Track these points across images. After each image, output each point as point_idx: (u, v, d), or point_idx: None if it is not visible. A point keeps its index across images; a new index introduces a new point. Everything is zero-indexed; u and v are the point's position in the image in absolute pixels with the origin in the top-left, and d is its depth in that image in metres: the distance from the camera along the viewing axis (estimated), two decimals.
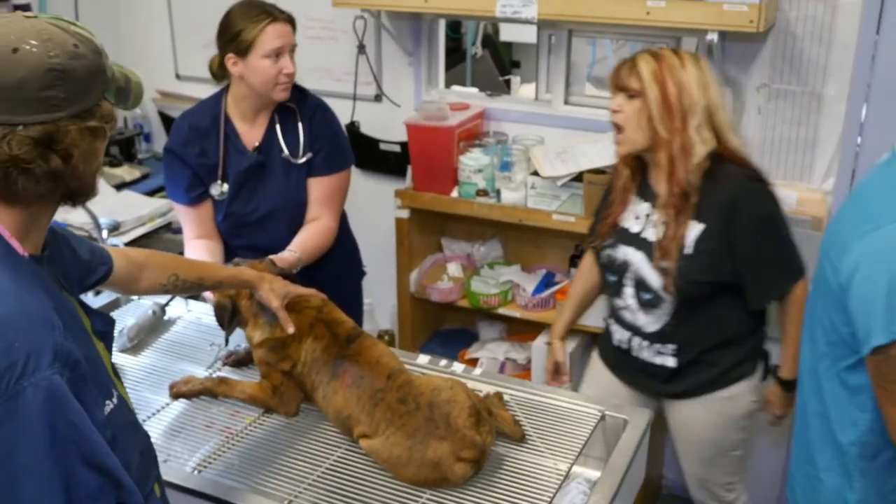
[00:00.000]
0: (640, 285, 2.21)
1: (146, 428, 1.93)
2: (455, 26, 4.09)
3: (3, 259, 1.24)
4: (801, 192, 2.89)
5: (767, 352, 2.36)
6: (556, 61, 3.18)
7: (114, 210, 3.27)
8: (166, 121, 4.02)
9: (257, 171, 2.50)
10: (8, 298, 1.20)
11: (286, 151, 2.50)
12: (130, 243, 3.18)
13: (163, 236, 3.45)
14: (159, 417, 2.04)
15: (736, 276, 2.15)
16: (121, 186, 3.59)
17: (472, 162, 3.03)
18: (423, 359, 2.24)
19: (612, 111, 2.16)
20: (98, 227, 2.42)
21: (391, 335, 3.69)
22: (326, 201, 2.52)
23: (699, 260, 2.11)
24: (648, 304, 2.21)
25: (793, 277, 2.18)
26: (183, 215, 2.55)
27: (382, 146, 3.49)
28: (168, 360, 2.28)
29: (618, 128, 2.16)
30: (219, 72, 2.44)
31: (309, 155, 2.51)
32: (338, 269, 2.63)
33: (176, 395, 2.09)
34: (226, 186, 2.49)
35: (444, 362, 2.23)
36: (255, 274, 2.01)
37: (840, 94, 2.80)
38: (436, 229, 3.49)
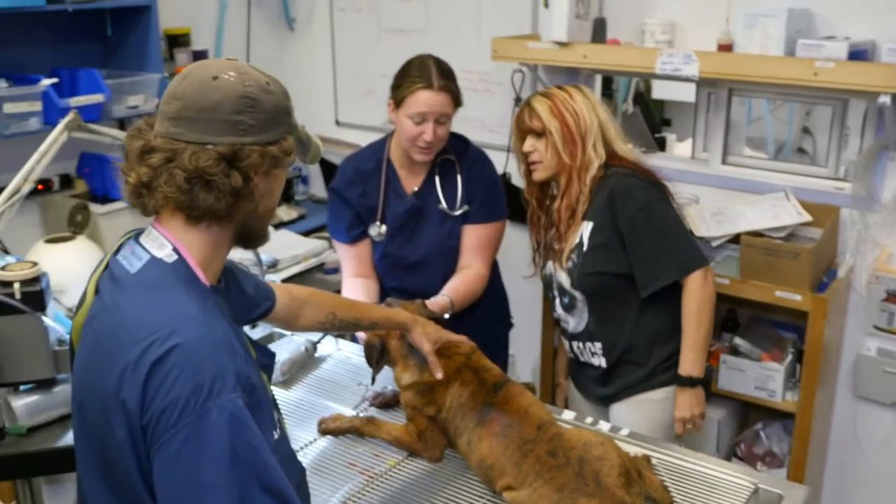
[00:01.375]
0: (560, 290, 2.44)
1: None
2: (606, 82, 4.08)
3: (191, 287, 1.33)
4: None
5: (709, 365, 2.45)
6: (715, 120, 3.13)
7: (272, 248, 3.39)
8: (324, 165, 4.16)
9: (414, 216, 2.56)
10: (196, 324, 1.27)
11: (443, 203, 2.55)
12: (285, 280, 3.30)
13: (315, 276, 3.56)
14: (304, 453, 2.06)
15: (628, 267, 2.33)
16: (279, 226, 3.74)
17: None
18: (569, 415, 2.20)
19: (524, 152, 2.42)
20: (259, 263, 2.52)
21: (532, 388, 3.66)
22: (479, 249, 2.55)
23: (593, 254, 2.33)
24: (569, 307, 2.43)
25: (676, 267, 2.30)
26: (342, 253, 2.63)
27: None
28: (316, 397, 2.32)
29: (534, 163, 2.41)
30: None
31: (465, 208, 2.55)
32: (487, 317, 2.64)
33: (324, 432, 2.12)
34: (384, 228, 2.56)
35: (589, 419, 2.19)
36: (408, 316, 2.04)
37: None
38: None
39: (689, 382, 2.34)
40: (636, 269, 2.32)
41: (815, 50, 2.54)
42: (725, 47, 2.75)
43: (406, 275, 2.58)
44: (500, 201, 2.62)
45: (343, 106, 4.14)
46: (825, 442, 3.17)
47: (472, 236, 2.55)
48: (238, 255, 3.04)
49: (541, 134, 2.36)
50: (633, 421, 2.33)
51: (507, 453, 1.82)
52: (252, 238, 1.44)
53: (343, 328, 1.95)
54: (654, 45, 2.94)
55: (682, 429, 2.37)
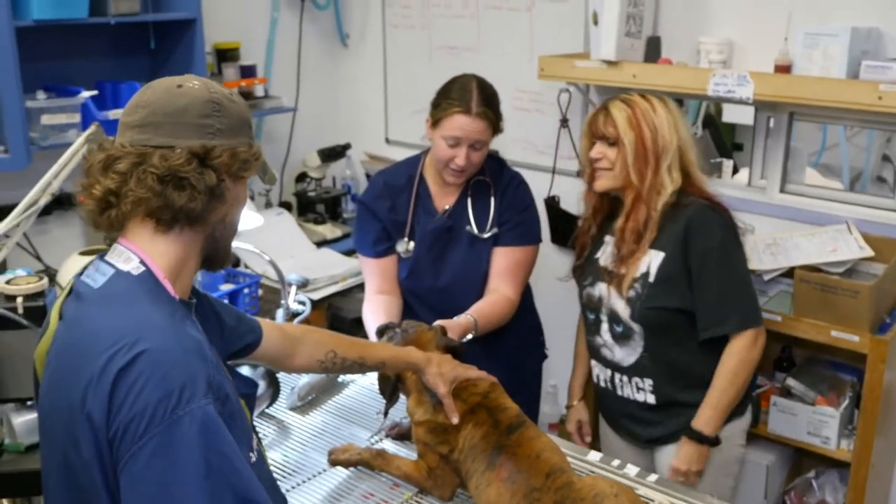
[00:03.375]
0: (613, 318, 2.26)
1: (310, 487, 1.95)
2: (678, 103, 3.90)
3: (158, 298, 1.27)
4: None
5: (757, 397, 2.33)
6: (774, 145, 2.96)
7: (310, 267, 3.34)
8: None
9: (444, 235, 2.48)
10: (163, 330, 1.22)
11: (472, 225, 2.46)
12: (321, 300, 3.23)
13: (356, 295, 3.47)
14: (321, 479, 2.00)
15: (694, 304, 2.18)
16: (321, 244, 3.68)
17: None
18: (595, 456, 2.07)
19: (592, 158, 2.26)
20: (282, 282, 2.45)
21: None
22: (508, 273, 2.45)
23: (660, 287, 2.17)
24: (621, 337, 2.25)
25: (737, 318, 2.16)
26: (367, 268, 2.56)
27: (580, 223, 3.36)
28: (336, 423, 2.24)
29: (600, 171, 2.26)
30: None
31: (495, 230, 2.46)
32: (517, 346, 2.54)
33: (333, 463, 2.04)
34: (412, 244, 2.49)
35: (616, 462, 2.05)
36: (421, 356, 1.93)
37: None
38: None
39: (699, 438, 2.19)
40: (699, 308, 2.17)
41: (881, 72, 2.37)
42: (783, 68, 2.59)
43: (432, 296, 2.50)
44: (534, 225, 2.51)
45: (393, 123, 4.08)
46: (886, 495, 2.94)
47: (502, 259, 2.46)
48: (262, 267, 3.03)
49: (613, 143, 2.21)
50: None
51: (513, 501, 1.70)
52: (217, 255, 1.40)
53: (346, 369, 1.84)
54: (709, 64, 2.79)
55: (673, 478, 2.21)
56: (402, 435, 2.16)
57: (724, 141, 4.20)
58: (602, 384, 2.37)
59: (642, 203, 2.19)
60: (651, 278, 2.18)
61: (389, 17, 3.94)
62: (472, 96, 2.31)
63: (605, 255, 2.33)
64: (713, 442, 2.19)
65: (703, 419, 2.18)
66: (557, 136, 3.37)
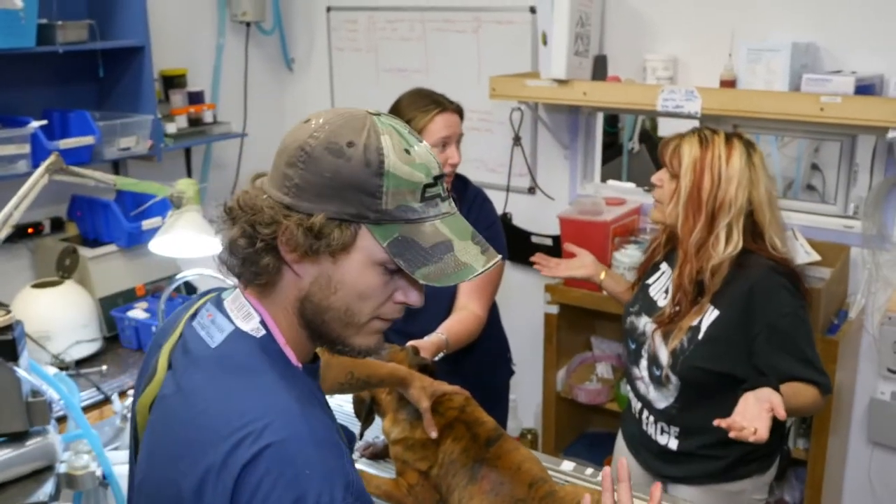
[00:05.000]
0: (653, 359, 2.14)
1: None
2: (612, 120, 4.01)
3: (283, 370, 1.12)
4: None
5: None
6: None
7: None
8: None
9: None
10: (293, 417, 1.05)
11: None
12: None
13: None
14: None
15: (745, 370, 1.99)
16: None
17: (627, 259, 2.92)
18: (568, 465, 2.10)
19: (653, 182, 2.13)
20: None
21: (534, 434, 3.55)
22: (476, 290, 2.46)
23: (708, 347, 2.02)
24: (657, 381, 2.13)
25: (822, 381, 1.95)
26: None
27: (534, 239, 3.42)
28: None
29: (655, 201, 2.14)
30: None
31: None
32: (485, 363, 2.55)
33: None
34: None
35: (589, 471, 2.09)
36: (407, 372, 1.95)
37: None
38: (585, 327, 3.37)
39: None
40: (764, 364, 1.97)
41: (821, 84, 2.47)
42: (728, 83, 2.69)
43: (400, 317, 2.49)
44: (500, 241, 2.54)
45: None
46: (839, 490, 3.04)
47: None
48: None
49: (674, 175, 2.06)
50: None
51: None
52: (324, 336, 1.17)
53: (357, 388, 1.85)
54: (656, 81, 2.88)
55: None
56: (376, 454, 2.16)
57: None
58: (631, 410, 2.29)
59: (690, 259, 2.02)
60: (700, 335, 2.03)
61: (335, 41, 3.96)
62: (437, 96, 2.36)
63: (657, 286, 2.20)
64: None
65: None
66: (511, 153, 3.43)
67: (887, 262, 2.77)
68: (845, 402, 2.87)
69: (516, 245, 3.41)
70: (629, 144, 4.25)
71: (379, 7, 3.75)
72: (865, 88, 2.50)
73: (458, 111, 2.38)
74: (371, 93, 3.84)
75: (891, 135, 2.42)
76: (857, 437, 3.01)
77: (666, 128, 4.19)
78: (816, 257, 2.66)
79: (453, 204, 1.14)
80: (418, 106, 2.35)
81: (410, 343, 2.21)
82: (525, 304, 3.44)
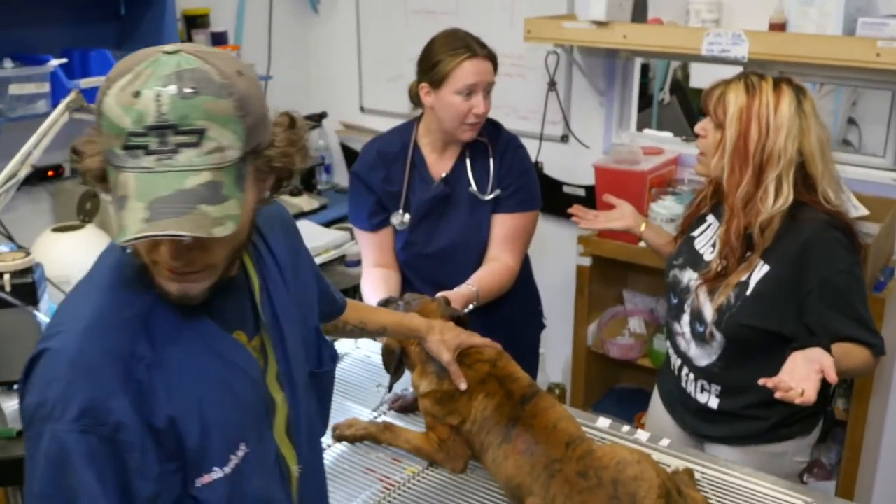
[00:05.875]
0: (696, 315, 2.03)
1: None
2: (643, 69, 3.89)
3: (122, 290, 1.15)
4: None
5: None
6: None
7: None
8: (348, 153, 4.02)
9: (441, 203, 2.40)
10: (77, 332, 1.12)
11: (473, 186, 2.38)
12: None
13: (336, 268, 3.41)
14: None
15: (794, 329, 1.88)
16: (299, 216, 3.59)
17: (664, 210, 2.81)
18: (604, 422, 2.03)
19: (697, 132, 2.01)
20: None
21: (562, 389, 3.49)
22: (509, 241, 2.38)
23: (756, 303, 1.91)
24: (700, 338, 2.03)
25: (876, 341, 1.86)
26: (363, 241, 2.48)
27: (566, 189, 3.33)
28: (335, 398, 2.17)
29: (700, 152, 2.02)
30: (416, 98, 2.35)
31: (497, 192, 2.38)
32: (516, 316, 2.47)
33: (338, 438, 1.98)
34: (407, 216, 2.40)
35: (626, 428, 2.02)
36: (423, 322, 1.87)
37: None
38: (618, 280, 3.28)
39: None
40: (815, 323, 1.87)
41: (878, 29, 2.34)
42: (778, 26, 2.55)
43: (431, 265, 2.42)
44: (534, 190, 2.45)
45: (368, 91, 3.98)
46: (876, 452, 2.97)
47: (502, 226, 2.38)
48: None
49: (718, 125, 1.94)
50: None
51: (533, 473, 1.66)
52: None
53: (347, 333, 1.79)
54: (701, 24, 2.74)
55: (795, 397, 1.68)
56: (405, 407, 2.10)
57: (692, 107, 4.19)
58: (670, 367, 2.19)
59: (738, 214, 1.91)
60: (749, 291, 1.93)
61: None
62: (471, 41, 2.24)
63: (703, 238, 2.10)
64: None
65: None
66: (545, 100, 3.31)
67: None
68: (887, 362, 2.78)
69: (548, 196, 3.29)
70: (660, 95, 4.12)
71: None
72: None
73: (492, 58, 2.26)
74: (399, 35, 3.72)
75: None
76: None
77: (699, 78, 4.05)
78: (865, 212, 2.55)
79: (169, 161, 1.03)
80: (448, 48, 2.24)
81: (441, 294, 2.14)
82: (556, 257, 3.35)
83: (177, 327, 1.16)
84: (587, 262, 3.05)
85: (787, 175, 1.87)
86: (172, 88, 1.01)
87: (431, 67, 2.26)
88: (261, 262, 1.31)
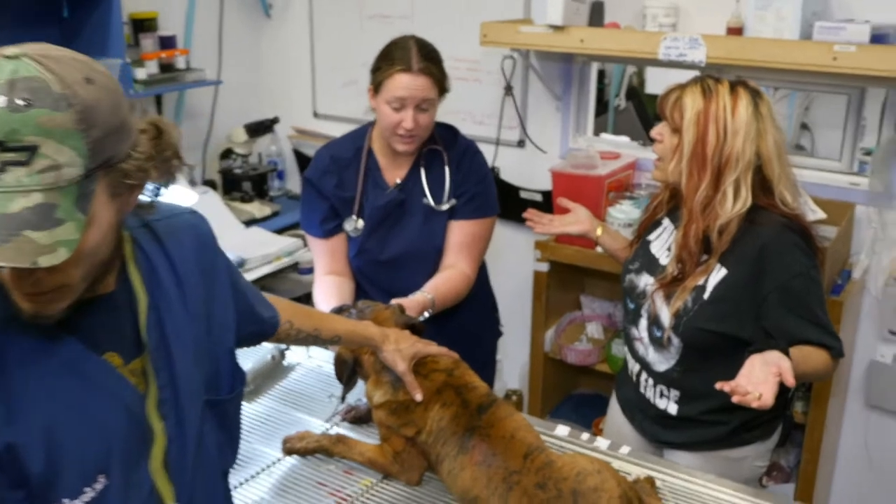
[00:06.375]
0: (654, 320, 2.00)
1: (259, 481, 1.82)
2: (599, 75, 3.88)
3: None
4: None
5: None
6: None
7: (241, 246, 3.17)
8: (301, 159, 3.95)
9: (396, 210, 2.35)
10: None
11: (428, 196, 2.33)
12: (255, 281, 3.07)
13: (288, 276, 3.34)
14: (269, 472, 1.87)
15: (752, 333, 1.86)
16: (250, 223, 3.52)
17: (622, 215, 2.78)
18: (563, 430, 1.99)
19: (653, 137, 1.97)
20: None
21: (519, 396, 3.45)
22: (465, 248, 2.34)
23: (714, 307, 1.89)
24: (658, 343, 2.00)
25: (835, 344, 1.82)
26: (315, 248, 2.42)
27: (523, 194, 3.29)
28: (284, 409, 2.11)
29: (657, 158, 1.98)
30: None
31: (452, 202, 2.34)
32: (472, 324, 2.43)
33: (289, 451, 1.91)
34: (361, 222, 2.35)
35: (585, 436, 1.98)
36: (378, 331, 1.82)
37: None
38: (575, 286, 3.25)
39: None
40: (773, 326, 1.84)
41: (834, 33, 2.34)
42: (735, 31, 2.54)
43: (385, 273, 2.37)
44: (491, 196, 2.41)
45: (321, 97, 3.91)
46: (834, 455, 2.97)
47: (459, 233, 2.34)
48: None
49: (675, 130, 1.91)
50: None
51: (490, 485, 1.61)
52: None
53: (300, 341, 1.71)
54: (658, 28, 2.72)
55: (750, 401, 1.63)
56: (359, 418, 2.04)
57: (647, 113, 4.19)
58: (628, 373, 2.16)
59: (696, 219, 1.88)
60: (706, 295, 1.90)
61: None
62: (412, 54, 2.18)
63: (659, 243, 2.07)
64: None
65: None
66: (501, 104, 3.28)
67: (894, 221, 2.66)
68: (845, 365, 2.78)
69: (505, 201, 3.25)
70: (615, 101, 4.11)
71: None
72: (879, 38, 2.37)
73: (432, 74, 2.19)
74: (353, 40, 3.66)
75: None
76: (854, 401, 2.93)
77: (654, 84, 4.05)
78: (822, 215, 2.55)
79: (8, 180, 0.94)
80: (389, 57, 2.21)
81: (395, 301, 2.08)
82: (513, 262, 3.32)
83: (32, 347, 1.07)
84: (544, 267, 3.01)
85: (745, 178, 1.85)
86: (2, 100, 0.92)
87: (374, 71, 2.24)
88: (153, 277, 1.21)
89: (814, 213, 2.54)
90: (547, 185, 3.06)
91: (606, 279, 3.10)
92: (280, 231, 3.52)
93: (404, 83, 2.17)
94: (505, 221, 3.35)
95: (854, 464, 2.98)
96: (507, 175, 3.35)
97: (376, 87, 2.22)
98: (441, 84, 2.23)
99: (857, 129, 2.72)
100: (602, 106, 4.04)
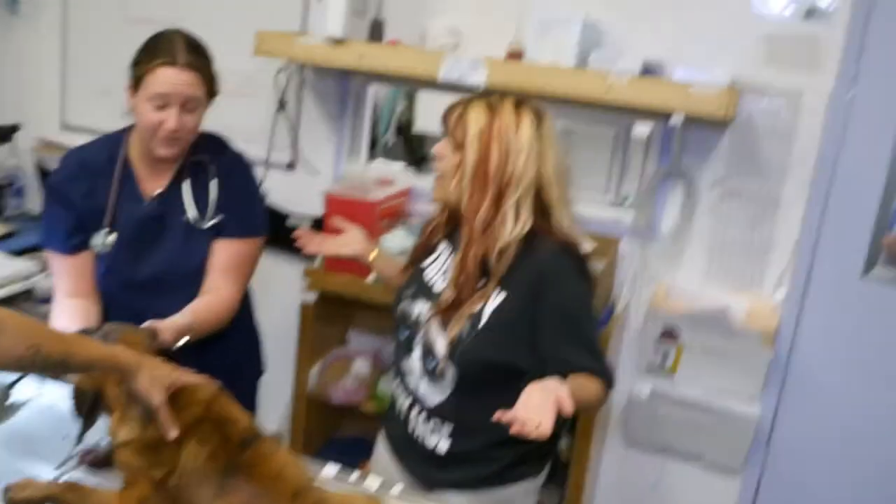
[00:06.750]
0: (428, 349, 1.91)
1: None
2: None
3: None
4: (751, 301, 2.67)
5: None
6: None
7: None
8: (45, 176, 3.56)
9: (152, 226, 2.12)
10: None
11: (188, 213, 2.12)
12: None
13: (22, 305, 2.96)
14: None
15: (528, 361, 1.83)
16: None
17: (395, 242, 2.68)
18: (331, 470, 1.84)
19: (434, 153, 1.89)
20: None
21: (279, 439, 3.23)
22: (230, 270, 2.14)
23: (490, 334, 1.82)
24: (432, 374, 1.91)
25: (604, 374, 1.79)
26: (58, 266, 2.14)
27: (292, 221, 3.13)
28: (7, 456, 1.81)
29: (437, 176, 1.91)
30: None
31: (217, 219, 2.14)
32: (236, 355, 2.24)
33: (11, 503, 1.61)
34: (112, 237, 2.10)
35: (354, 476, 1.84)
36: (131, 358, 1.58)
37: (798, 197, 2.63)
38: (343, 319, 3.12)
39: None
40: (549, 352, 1.80)
41: (609, 64, 2.38)
42: (515, 55, 2.54)
43: (138, 298, 2.11)
44: (260, 215, 2.24)
45: (73, 105, 3.56)
46: (592, 493, 2.99)
47: (223, 253, 2.14)
48: None
49: (457, 147, 1.83)
50: None
51: None
52: None
53: (48, 368, 1.46)
54: (439, 49, 2.68)
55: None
56: (98, 462, 1.77)
57: (415, 150, 4.15)
58: (396, 411, 2.04)
59: (476, 241, 1.81)
60: (482, 322, 1.83)
61: None
62: (178, 47, 1.99)
63: (435, 267, 1.99)
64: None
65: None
66: (274, 122, 3.10)
67: (655, 256, 2.76)
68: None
69: (272, 227, 3.08)
70: (384, 139, 4.04)
71: None
72: (650, 72, 2.45)
73: (198, 70, 2.01)
74: (113, 45, 3.34)
75: (673, 120, 2.37)
76: (613, 437, 2.98)
77: (426, 122, 4.01)
78: (591, 247, 2.57)
79: None
80: (150, 50, 2.00)
81: (148, 323, 1.85)
82: (279, 295, 3.13)
83: None
84: (312, 298, 2.85)
85: (526, 200, 1.80)
86: None
87: (135, 65, 2.01)
88: None
89: (585, 245, 2.56)
90: (318, 209, 2.92)
91: (376, 312, 2.97)
92: (18, 253, 3.13)
93: (168, 78, 1.96)
94: (271, 249, 3.16)
95: (610, 500, 3.02)
96: (276, 199, 3.18)
97: (136, 82, 1.99)
98: (210, 84, 2.05)
99: (623, 163, 2.80)
100: (372, 142, 3.97)
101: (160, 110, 1.97)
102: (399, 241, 2.70)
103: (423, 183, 3.02)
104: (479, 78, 2.45)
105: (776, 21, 2.56)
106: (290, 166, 3.18)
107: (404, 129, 4.07)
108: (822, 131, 2.56)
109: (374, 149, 3.67)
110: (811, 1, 2.52)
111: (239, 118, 3.14)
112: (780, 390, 2.80)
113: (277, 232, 3.07)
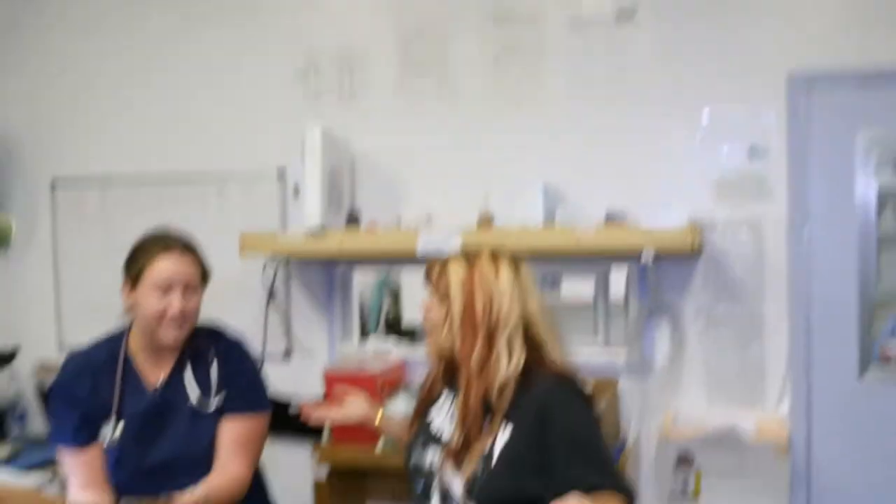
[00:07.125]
0: (445, 495, 1.92)
1: None
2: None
3: None
4: (757, 416, 2.73)
5: None
6: None
7: None
8: (46, 399, 3.61)
9: (158, 413, 2.18)
10: None
11: (192, 398, 2.19)
12: None
13: None
14: None
15: (545, 488, 1.81)
16: None
17: (398, 408, 2.74)
18: None
19: (422, 309, 2.00)
20: None
21: None
22: (239, 447, 2.18)
23: (504, 473, 1.84)
24: None
25: (620, 486, 1.80)
26: (70, 462, 2.17)
27: (294, 409, 3.16)
28: None
29: (428, 331, 2.00)
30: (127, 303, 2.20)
31: (220, 398, 2.21)
32: None
33: None
34: (119, 429, 2.16)
35: None
36: None
37: (779, 313, 2.76)
38: (359, 491, 3.11)
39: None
40: (564, 476, 1.78)
41: (574, 218, 2.54)
42: (486, 221, 2.70)
43: (148, 485, 2.14)
44: (262, 391, 2.31)
45: (69, 326, 3.67)
46: None
47: (231, 432, 2.19)
48: None
49: (443, 300, 1.95)
50: None
51: None
52: None
53: None
54: (413, 226, 2.84)
55: None
56: None
57: (403, 331, 4.22)
58: None
59: (475, 381, 1.87)
60: (494, 459, 1.85)
61: (61, 218, 3.67)
62: (170, 238, 2.16)
63: (440, 418, 2.03)
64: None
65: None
66: (266, 315, 3.22)
67: (655, 388, 2.83)
68: None
69: (276, 417, 3.12)
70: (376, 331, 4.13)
71: (112, 177, 3.52)
72: (613, 218, 2.61)
73: (194, 257, 2.17)
74: (99, 272, 3.46)
75: (644, 256, 2.50)
76: None
77: (411, 313, 4.07)
78: (590, 387, 2.64)
79: None
80: (145, 246, 2.15)
81: (166, 498, 1.90)
82: (290, 478, 3.10)
83: None
84: (324, 473, 2.87)
85: (517, 337, 1.89)
86: None
87: (131, 264, 2.14)
88: None
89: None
90: (318, 392, 2.98)
91: (390, 479, 3.00)
92: (26, 469, 3.14)
93: (169, 264, 2.10)
94: (277, 437, 3.20)
95: None
96: (276, 389, 3.23)
97: (135, 278, 2.12)
98: (203, 270, 2.19)
99: (608, 304, 2.92)
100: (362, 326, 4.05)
101: (164, 296, 2.09)
102: (402, 405, 2.76)
103: (418, 353, 3.10)
104: (454, 246, 2.58)
105: (723, 164, 2.81)
106: (287, 354, 3.27)
107: (393, 323, 4.17)
108: (787, 251, 2.72)
109: (365, 329, 3.79)
110: (751, 143, 2.75)
111: (232, 316, 3.24)
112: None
113: (283, 421, 3.14)
